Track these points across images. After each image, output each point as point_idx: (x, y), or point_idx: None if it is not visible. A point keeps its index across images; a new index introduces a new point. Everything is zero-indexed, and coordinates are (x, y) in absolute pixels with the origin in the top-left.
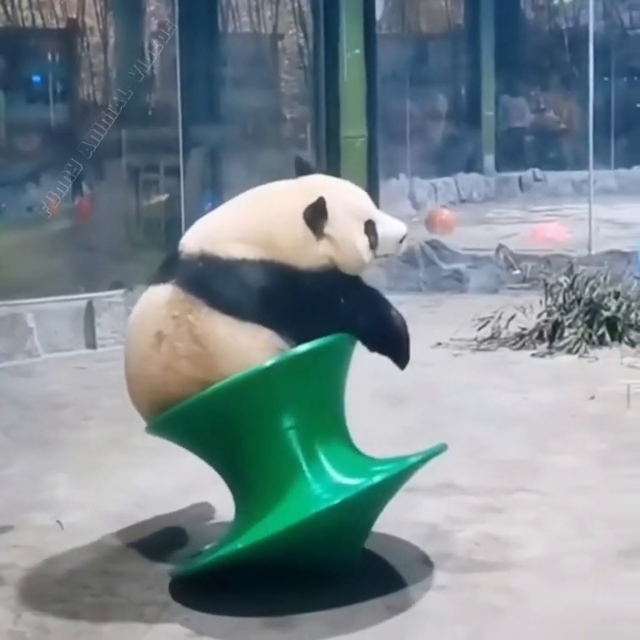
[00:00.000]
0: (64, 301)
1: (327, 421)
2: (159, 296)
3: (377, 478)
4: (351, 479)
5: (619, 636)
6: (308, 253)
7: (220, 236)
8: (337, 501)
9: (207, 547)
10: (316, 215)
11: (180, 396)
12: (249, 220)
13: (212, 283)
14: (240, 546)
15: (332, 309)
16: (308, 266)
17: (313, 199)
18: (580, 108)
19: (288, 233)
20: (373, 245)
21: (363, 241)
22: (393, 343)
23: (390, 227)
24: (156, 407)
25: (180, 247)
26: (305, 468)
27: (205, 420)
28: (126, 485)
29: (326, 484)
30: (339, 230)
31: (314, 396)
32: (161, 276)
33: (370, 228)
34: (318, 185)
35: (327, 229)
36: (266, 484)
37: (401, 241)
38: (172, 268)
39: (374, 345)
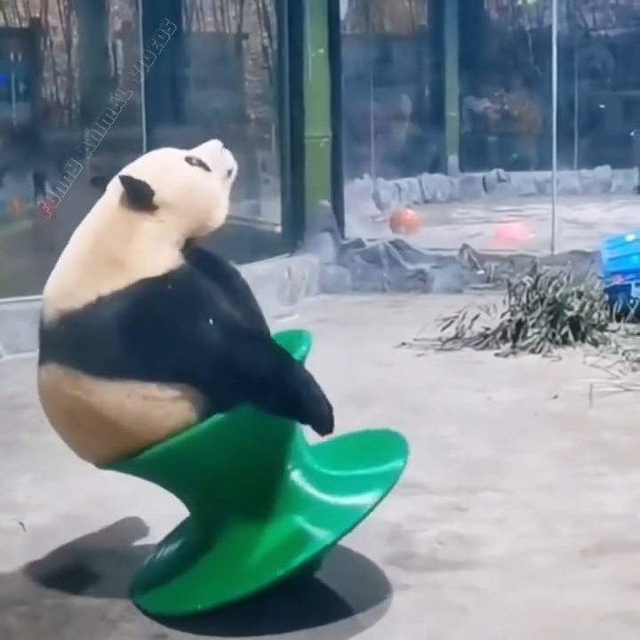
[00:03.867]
0: (26, 302)
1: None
2: (48, 378)
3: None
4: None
5: (583, 633)
6: (161, 246)
7: (67, 284)
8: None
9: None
10: (136, 191)
11: (119, 453)
12: (85, 255)
13: (78, 345)
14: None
15: (210, 339)
16: (169, 267)
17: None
18: (544, 108)
19: (123, 239)
20: (208, 169)
21: (202, 175)
22: (295, 405)
23: (205, 147)
24: (100, 460)
25: (41, 315)
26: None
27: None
28: (88, 487)
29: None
30: (174, 189)
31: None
32: (41, 356)
33: (193, 161)
34: (117, 181)
35: (157, 198)
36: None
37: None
38: (45, 343)
39: (271, 406)
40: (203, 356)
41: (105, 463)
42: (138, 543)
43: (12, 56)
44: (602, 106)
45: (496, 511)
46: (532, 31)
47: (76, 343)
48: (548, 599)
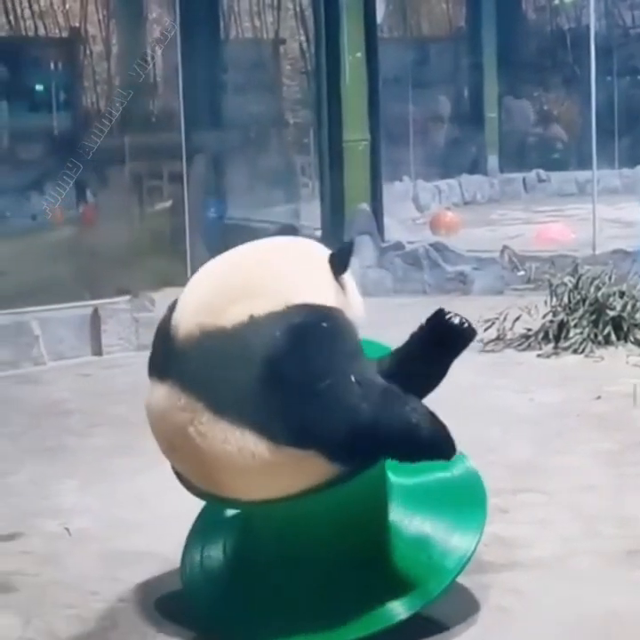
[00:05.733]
0: (69, 308)
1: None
2: (158, 401)
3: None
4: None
5: (627, 636)
6: (329, 283)
7: (217, 300)
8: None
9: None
10: (344, 259)
11: (208, 492)
12: (244, 272)
13: (211, 371)
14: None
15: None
16: (332, 304)
17: (312, 251)
18: (583, 108)
19: (293, 265)
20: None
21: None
22: (435, 450)
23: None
24: (187, 488)
25: (173, 327)
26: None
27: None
28: (133, 491)
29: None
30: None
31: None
32: (162, 370)
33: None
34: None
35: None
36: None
37: None
38: (171, 358)
39: (409, 459)
40: (342, 417)
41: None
42: (183, 545)
43: (52, 65)
44: None
45: (538, 512)
46: (570, 30)
47: (208, 367)
48: (592, 601)
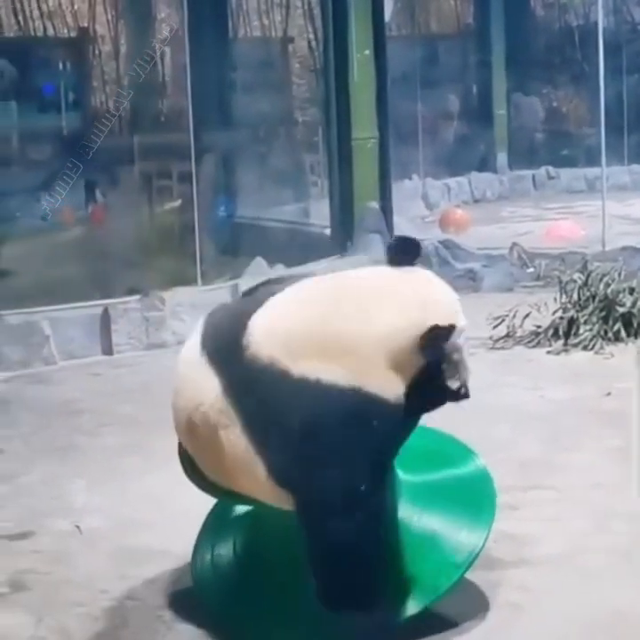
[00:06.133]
0: (80, 308)
1: None
2: (196, 383)
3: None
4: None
5: (635, 632)
6: (398, 383)
7: (294, 342)
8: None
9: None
10: (435, 345)
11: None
12: (334, 330)
13: (261, 405)
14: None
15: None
16: (398, 394)
17: (416, 314)
18: (592, 104)
19: (383, 355)
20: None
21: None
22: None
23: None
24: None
25: (245, 342)
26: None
27: None
28: (143, 490)
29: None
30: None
31: None
32: (213, 355)
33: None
34: (421, 292)
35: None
36: None
37: None
38: (229, 355)
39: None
40: (322, 504)
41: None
42: (193, 545)
43: (61, 65)
44: None
45: (548, 510)
46: (578, 27)
47: (259, 396)
48: (601, 598)
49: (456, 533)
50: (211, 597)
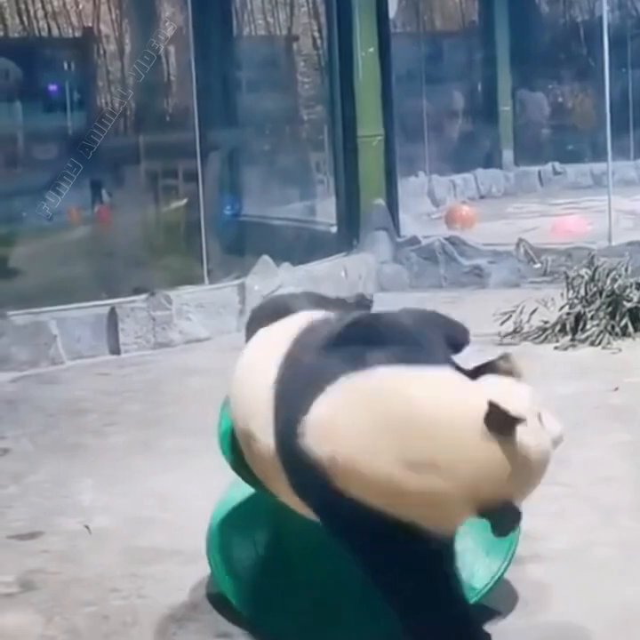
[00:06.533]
0: (87, 308)
1: None
2: (259, 386)
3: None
4: None
5: None
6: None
7: (338, 428)
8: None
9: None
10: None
11: None
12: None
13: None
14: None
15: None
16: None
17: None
18: (598, 100)
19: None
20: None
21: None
22: None
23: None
24: None
25: (302, 430)
26: None
27: None
28: (152, 489)
29: None
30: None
31: None
32: (278, 393)
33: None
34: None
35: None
36: None
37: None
38: (287, 423)
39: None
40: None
41: None
42: (202, 544)
43: (66, 65)
44: None
45: (556, 504)
46: (583, 22)
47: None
48: (611, 592)
49: (477, 558)
50: (231, 594)
